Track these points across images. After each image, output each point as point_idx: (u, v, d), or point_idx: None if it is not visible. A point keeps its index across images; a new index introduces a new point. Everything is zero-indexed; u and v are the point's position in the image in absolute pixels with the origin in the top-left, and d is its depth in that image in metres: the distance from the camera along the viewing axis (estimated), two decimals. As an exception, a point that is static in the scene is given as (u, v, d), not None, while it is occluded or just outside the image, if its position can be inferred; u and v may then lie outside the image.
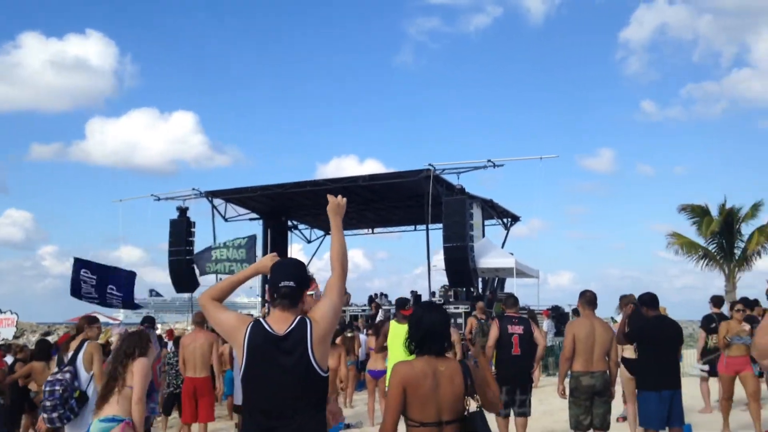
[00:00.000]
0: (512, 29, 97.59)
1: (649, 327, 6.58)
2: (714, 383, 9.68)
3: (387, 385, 7.16)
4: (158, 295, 52.56)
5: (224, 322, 3.10)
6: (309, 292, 4.21)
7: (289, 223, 28.31)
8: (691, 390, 9.13)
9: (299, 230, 29.74)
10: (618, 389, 8.36)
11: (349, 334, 12.56)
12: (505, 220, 26.00)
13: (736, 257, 23.25)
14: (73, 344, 6.45)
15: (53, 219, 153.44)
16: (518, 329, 7.50)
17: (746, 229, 23.21)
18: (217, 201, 24.36)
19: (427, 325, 3.33)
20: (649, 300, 6.64)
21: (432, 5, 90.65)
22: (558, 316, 20.38)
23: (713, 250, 23.64)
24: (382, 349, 8.19)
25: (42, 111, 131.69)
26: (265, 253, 25.95)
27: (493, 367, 7.91)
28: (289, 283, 3.05)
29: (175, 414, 9.88)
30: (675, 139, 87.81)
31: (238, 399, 8.50)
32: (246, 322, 3.03)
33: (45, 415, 5.91)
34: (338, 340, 12.68)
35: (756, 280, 26.22)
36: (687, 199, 24.44)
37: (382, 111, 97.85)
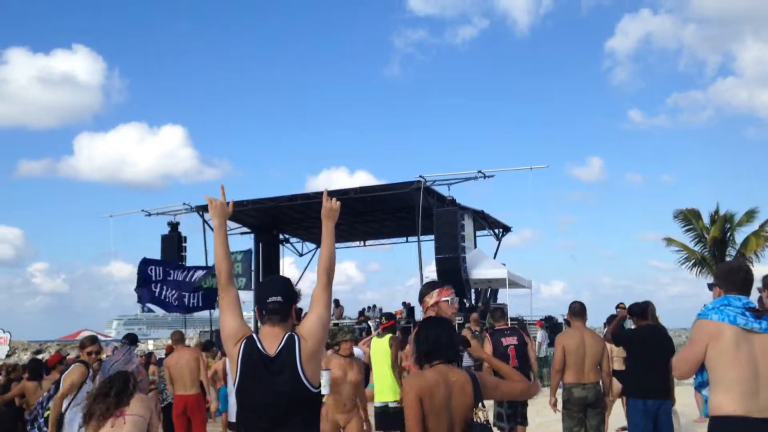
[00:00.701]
0: (499, 41, 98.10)
1: (637, 335, 6.60)
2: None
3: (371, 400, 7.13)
4: (150, 310, 52.23)
5: (224, 328, 3.09)
6: (444, 298, 4.16)
7: (281, 236, 28.27)
8: (684, 399, 9.14)
9: (291, 243, 29.69)
10: (619, 401, 8.35)
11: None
12: (496, 230, 26.08)
13: (729, 264, 23.30)
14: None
15: (43, 235, 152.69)
16: (512, 340, 7.45)
17: (739, 237, 23.32)
18: (208, 215, 24.23)
19: (434, 340, 3.31)
20: (638, 311, 6.65)
21: (419, 17, 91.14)
22: (551, 326, 20.42)
23: (707, 256, 23.70)
24: None
25: (29, 127, 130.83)
26: (258, 267, 25.89)
27: None
28: (276, 299, 3.05)
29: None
30: (663, 148, 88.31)
31: (233, 416, 8.45)
32: (241, 337, 3.03)
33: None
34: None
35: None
36: (675, 207, 24.42)
37: (372, 123, 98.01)
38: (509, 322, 7.98)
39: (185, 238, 24.24)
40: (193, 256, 24.50)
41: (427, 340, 3.35)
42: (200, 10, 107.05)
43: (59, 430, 5.87)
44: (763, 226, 22.63)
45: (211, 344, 12.85)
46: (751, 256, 22.28)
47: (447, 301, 4.13)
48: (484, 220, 24.18)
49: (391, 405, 7.34)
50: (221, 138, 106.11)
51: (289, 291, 3.14)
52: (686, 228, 23.98)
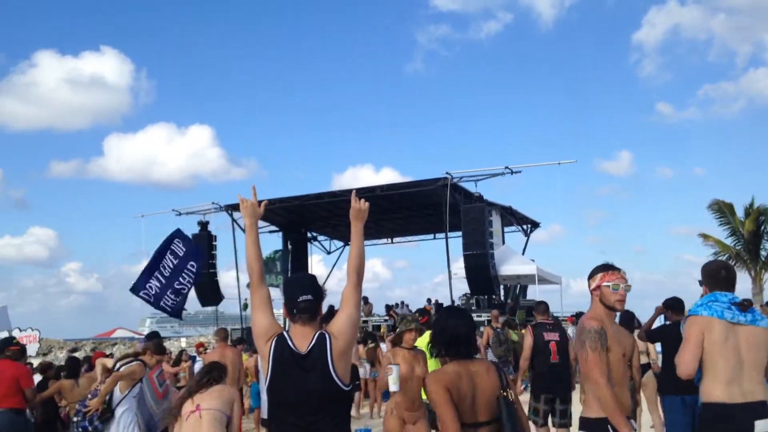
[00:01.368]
0: (524, 35, 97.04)
1: (669, 330, 6.53)
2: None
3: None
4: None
5: (255, 326, 3.14)
6: (606, 283, 3.64)
7: (309, 234, 28.47)
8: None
9: (319, 241, 29.89)
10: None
11: (371, 345, 12.55)
12: (524, 226, 25.92)
13: (763, 258, 22.88)
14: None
15: (76, 236, 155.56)
16: (554, 336, 7.22)
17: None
18: (237, 214, 24.55)
19: (452, 330, 3.32)
20: (673, 304, 6.59)
21: (442, 13, 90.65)
22: (582, 321, 20.20)
23: (741, 251, 23.26)
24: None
25: (59, 129, 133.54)
26: (287, 265, 26.12)
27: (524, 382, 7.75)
28: (307, 297, 3.09)
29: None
30: (694, 140, 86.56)
31: (266, 412, 8.56)
32: (272, 335, 3.07)
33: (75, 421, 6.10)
34: (362, 351, 12.69)
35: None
36: (708, 200, 23.94)
37: (397, 119, 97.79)
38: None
39: (215, 237, 24.55)
40: (223, 254, 24.82)
41: (445, 331, 3.35)
42: (225, 10, 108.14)
43: (107, 420, 5.95)
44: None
45: (241, 340, 13.02)
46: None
47: (609, 286, 3.65)
48: (512, 216, 24.04)
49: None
50: (248, 137, 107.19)
51: (317, 289, 3.18)
52: (720, 221, 23.56)
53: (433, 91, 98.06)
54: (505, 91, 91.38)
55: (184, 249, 12.79)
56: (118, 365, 6.32)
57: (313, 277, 3.30)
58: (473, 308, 20.96)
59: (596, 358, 3.45)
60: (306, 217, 25.93)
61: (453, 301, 21.58)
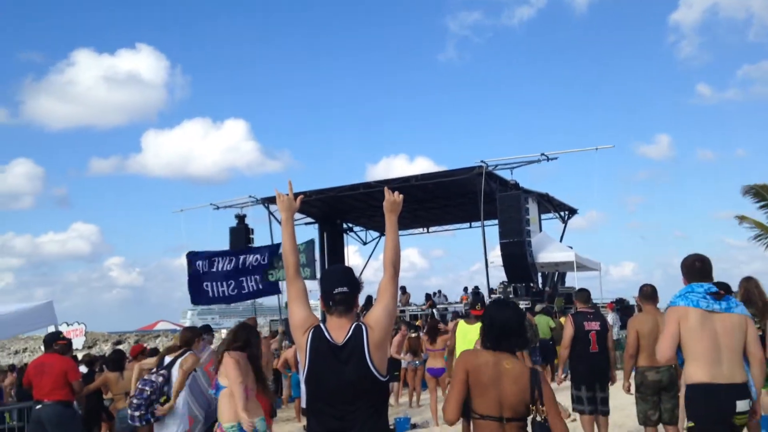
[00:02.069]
0: (558, 19, 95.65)
1: None
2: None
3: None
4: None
5: (293, 318, 3.18)
6: None
7: (344, 225, 28.61)
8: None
9: (354, 232, 30.02)
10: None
11: (413, 334, 12.55)
12: (562, 213, 25.58)
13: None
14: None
15: (117, 231, 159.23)
16: (595, 325, 7.22)
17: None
18: (273, 207, 24.80)
19: (501, 323, 3.35)
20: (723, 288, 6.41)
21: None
22: (623, 308, 19.91)
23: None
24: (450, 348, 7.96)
25: (98, 126, 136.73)
26: (323, 256, 26.26)
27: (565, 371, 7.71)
28: (343, 289, 3.11)
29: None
30: (734, 122, 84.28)
31: (305, 402, 8.64)
32: (308, 326, 3.10)
33: (129, 412, 6.23)
34: (398, 340, 12.69)
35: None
36: (751, 182, 23.24)
37: (430, 108, 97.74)
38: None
39: (252, 230, 24.85)
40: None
41: (493, 325, 3.36)
42: (257, 4, 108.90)
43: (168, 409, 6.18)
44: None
45: (275, 333, 13.15)
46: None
47: None
48: (548, 203, 23.76)
49: None
50: (282, 130, 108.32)
51: (353, 281, 3.19)
52: (760, 204, 22.87)
53: (465, 78, 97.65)
54: (539, 77, 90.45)
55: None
56: (171, 358, 6.47)
57: (349, 269, 3.33)
58: (511, 296, 20.80)
59: None
60: (341, 209, 26.06)
61: (492, 290, 21.46)
